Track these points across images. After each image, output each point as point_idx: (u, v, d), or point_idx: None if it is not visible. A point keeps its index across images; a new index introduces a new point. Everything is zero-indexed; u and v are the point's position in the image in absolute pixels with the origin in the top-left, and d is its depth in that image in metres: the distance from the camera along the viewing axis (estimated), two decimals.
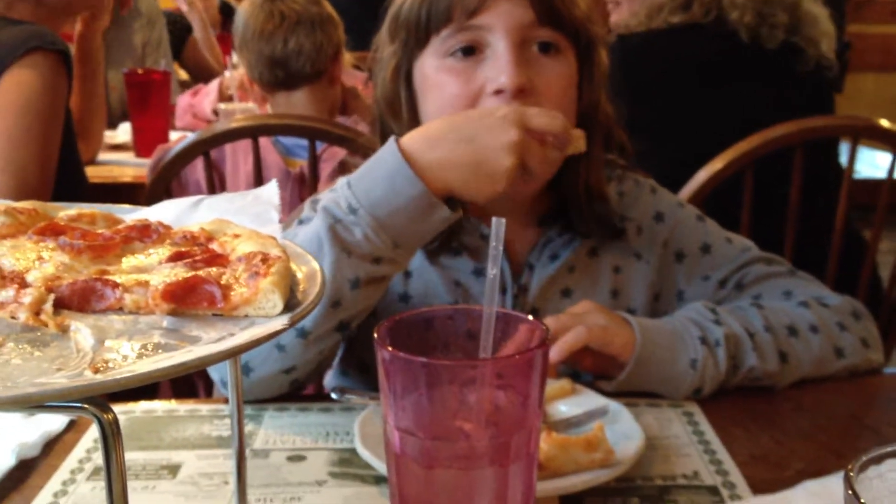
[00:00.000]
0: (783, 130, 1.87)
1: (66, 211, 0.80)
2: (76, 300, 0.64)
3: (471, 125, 1.10)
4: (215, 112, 3.03)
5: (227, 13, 5.02)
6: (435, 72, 1.23)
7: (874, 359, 1.30)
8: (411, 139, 1.12)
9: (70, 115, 2.03)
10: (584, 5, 1.26)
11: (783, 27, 2.09)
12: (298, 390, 1.21)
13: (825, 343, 1.26)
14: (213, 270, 0.67)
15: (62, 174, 1.93)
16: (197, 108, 3.14)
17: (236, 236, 0.74)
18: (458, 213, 1.13)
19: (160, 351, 0.58)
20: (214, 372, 1.22)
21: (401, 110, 1.27)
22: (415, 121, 1.25)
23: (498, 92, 1.18)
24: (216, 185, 2.06)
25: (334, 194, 1.14)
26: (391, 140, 1.12)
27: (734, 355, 1.20)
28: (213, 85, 3.18)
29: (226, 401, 1.19)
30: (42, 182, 1.86)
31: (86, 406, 0.54)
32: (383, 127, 1.31)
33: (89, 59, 2.54)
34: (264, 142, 2.11)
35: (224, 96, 3.10)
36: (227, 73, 3.14)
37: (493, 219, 0.75)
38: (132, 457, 1.04)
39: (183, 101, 3.23)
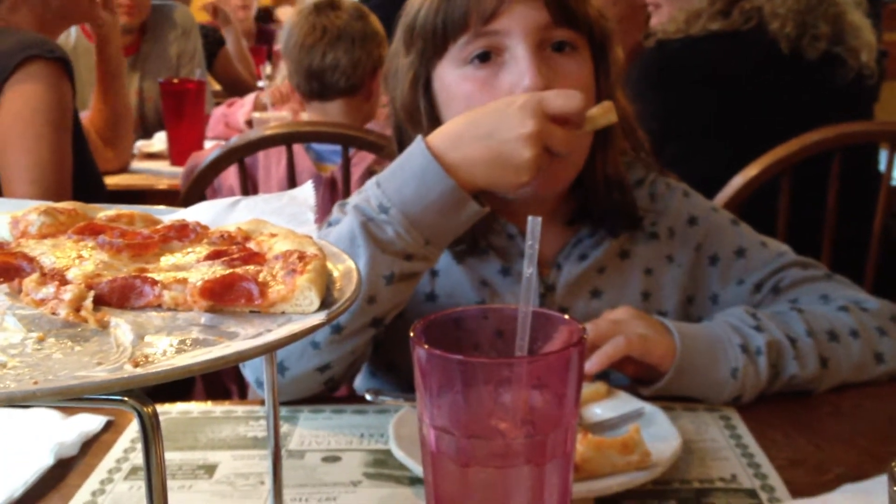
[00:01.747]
0: (820, 136, 1.85)
1: (106, 211, 0.81)
2: (115, 297, 0.65)
3: (489, 120, 1.10)
4: (248, 123, 3.06)
5: (264, 20, 5.07)
6: (456, 81, 1.23)
7: None
8: (437, 137, 1.13)
9: (79, 124, 2.03)
10: (596, 2, 1.26)
11: (825, 38, 2.07)
12: (332, 390, 1.21)
13: (865, 348, 1.24)
14: (251, 268, 0.67)
15: (78, 182, 1.94)
16: (230, 118, 3.17)
17: (273, 235, 0.74)
18: (487, 208, 1.14)
19: (198, 346, 0.58)
20: (249, 372, 1.23)
21: (421, 119, 1.27)
22: (436, 129, 1.26)
23: None
24: (249, 191, 2.07)
25: (364, 194, 1.16)
26: (418, 139, 1.13)
27: (775, 363, 1.19)
28: (249, 98, 3.22)
29: (261, 402, 1.20)
30: (61, 186, 1.86)
31: (126, 399, 0.54)
32: (402, 135, 1.31)
33: (108, 65, 2.55)
34: (297, 148, 2.12)
35: (259, 108, 3.13)
36: (262, 84, 3.17)
37: (529, 218, 0.75)
38: (169, 457, 1.05)
39: (217, 111, 3.27)
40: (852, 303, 1.29)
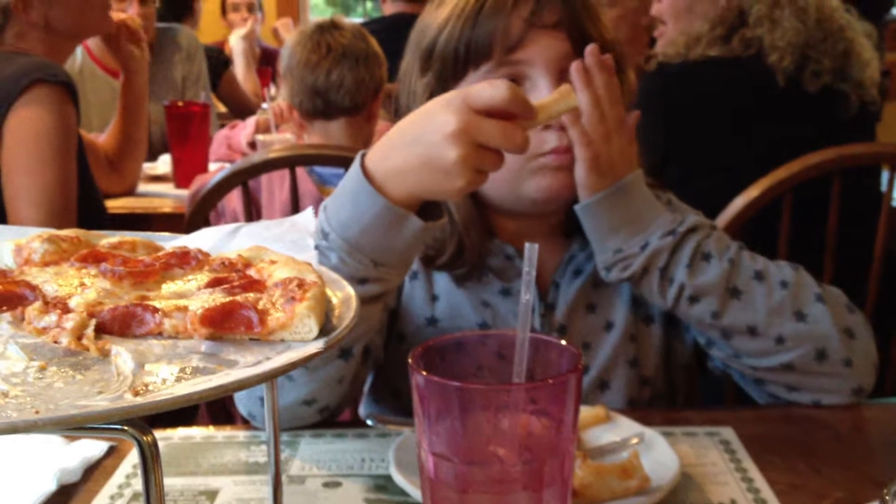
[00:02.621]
0: (821, 157, 1.86)
1: (108, 239, 0.82)
2: (117, 325, 0.66)
3: (415, 125, 1.03)
4: (251, 145, 3.08)
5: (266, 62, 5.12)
6: None
7: (855, 360, 1.23)
8: (372, 152, 1.08)
9: (83, 148, 2.04)
10: (610, 27, 1.27)
11: (828, 73, 2.08)
12: (333, 417, 1.21)
13: (788, 300, 1.22)
14: (251, 296, 0.68)
15: (80, 206, 1.95)
16: (233, 140, 3.19)
17: (273, 262, 0.75)
18: (439, 221, 1.10)
19: (198, 374, 0.59)
20: (242, 406, 1.21)
21: None
22: None
23: (546, 127, 1.20)
24: (252, 214, 2.08)
25: (318, 218, 1.12)
26: (357, 156, 1.09)
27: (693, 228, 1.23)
28: (251, 120, 3.23)
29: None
30: (66, 210, 1.88)
31: (126, 428, 0.55)
32: None
33: (133, 96, 2.59)
34: (300, 171, 2.14)
35: (261, 129, 3.15)
36: (265, 106, 3.19)
37: (526, 245, 0.75)
38: (170, 483, 1.05)
39: (220, 134, 3.29)
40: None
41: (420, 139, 1.01)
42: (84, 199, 1.97)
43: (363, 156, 1.08)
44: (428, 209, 1.08)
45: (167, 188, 2.83)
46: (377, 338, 1.28)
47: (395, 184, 1.04)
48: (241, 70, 4.46)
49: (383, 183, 1.05)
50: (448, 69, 1.24)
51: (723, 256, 1.23)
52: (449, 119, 0.98)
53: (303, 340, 0.65)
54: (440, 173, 1.00)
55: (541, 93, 1.19)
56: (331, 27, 2.38)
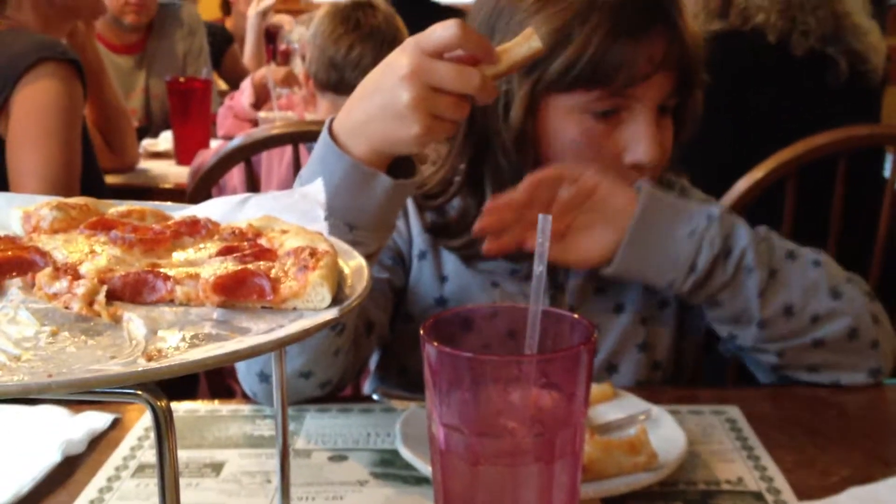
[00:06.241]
0: (826, 139, 1.85)
1: (117, 207, 0.81)
2: (128, 292, 0.65)
3: (375, 75, 1.00)
4: (254, 106, 3.06)
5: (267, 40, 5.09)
6: (571, 122, 1.20)
7: (881, 342, 1.22)
8: (339, 113, 1.05)
9: (86, 125, 2.05)
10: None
11: (814, 35, 2.07)
12: (336, 392, 1.21)
13: (822, 278, 1.21)
14: (263, 264, 0.67)
15: (82, 182, 1.96)
16: (236, 107, 3.18)
17: (284, 232, 0.75)
18: (412, 179, 1.06)
19: (211, 341, 0.59)
20: (245, 384, 1.19)
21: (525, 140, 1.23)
22: (524, 142, 1.23)
23: (636, 166, 1.20)
24: (251, 190, 2.07)
25: None
26: (327, 120, 1.06)
27: (728, 235, 1.18)
28: (246, 82, 3.22)
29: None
30: (69, 184, 1.89)
31: (139, 392, 0.54)
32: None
33: (91, 67, 2.55)
34: (301, 148, 2.13)
35: (258, 89, 3.12)
36: (262, 70, 3.18)
37: (540, 216, 0.75)
38: None
39: (222, 109, 3.27)
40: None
41: (377, 88, 0.99)
42: (86, 174, 1.98)
43: (332, 119, 1.06)
44: (402, 168, 1.06)
45: (168, 165, 2.82)
46: (382, 315, 1.28)
47: (357, 139, 1.02)
48: (251, 45, 4.44)
49: (347, 140, 1.03)
50: (553, 82, 1.19)
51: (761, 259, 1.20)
52: (402, 62, 0.95)
53: (315, 309, 0.64)
54: (396, 120, 0.97)
55: (639, 128, 1.18)
56: (366, 5, 2.38)
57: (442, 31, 0.94)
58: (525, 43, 0.95)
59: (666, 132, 1.23)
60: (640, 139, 1.18)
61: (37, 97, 1.88)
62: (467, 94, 0.95)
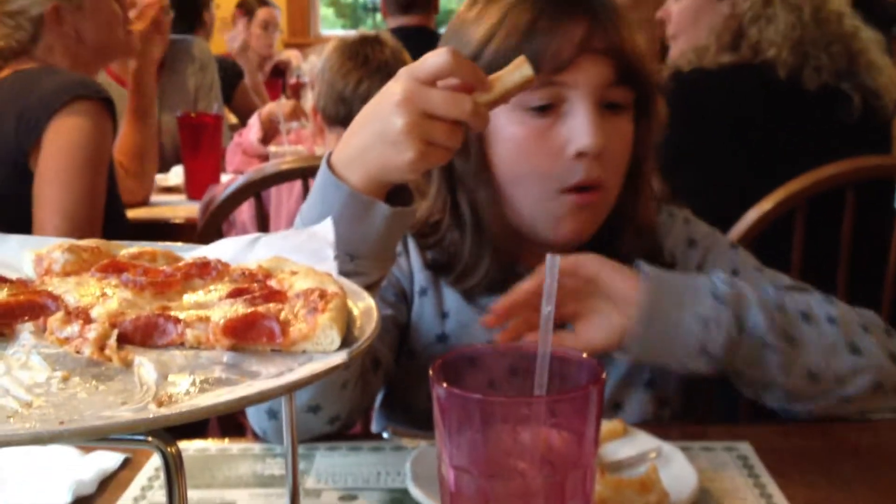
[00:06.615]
0: (835, 170, 1.85)
1: (128, 249, 0.82)
2: (139, 335, 0.66)
3: (371, 105, 1.02)
4: (262, 141, 3.09)
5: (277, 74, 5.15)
6: (509, 122, 1.21)
7: None
8: (337, 145, 1.07)
9: (112, 163, 2.09)
10: (649, 56, 1.26)
11: (826, 70, 2.08)
12: (345, 429, 1.20)
13: (840, 335, 1.20)
14: (272, 306, 0.68)
15: (105, 216, 1.99)
16: (244, 143, 3.20)
17: (293, 273, 0.75)
18: (410, 207, 1.08)
19: (221, 385, 0.59)
20: (254, 422, 1.20)
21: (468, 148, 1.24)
22: (481, 157, 1.24)
23: (580, 155, 1.19)
24: (260, 224, 2.08)
25: None
26: (325, 153, 1.08)
27: (739, 314, 1.16)
28: (254, 118, 3.25)
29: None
30: (91, 222, 1.92)
31: (150, 439, 0.55)
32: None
33: (143, 93, 2.61)
34: (310, 182, 2.14)
35: (265, 125, 3.15)
36: (270, 106, 3.22)
37: (548, 256, 0.75)
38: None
39: (231, 144, 3.30)
40: (846, 306, 1.26)
41: (373, 117, 1.01)
42: (109, 209, 2.01)
43: (331, 153, 1.07)
44: (401, 200, 1.07)
45: (179, 199, 2.83)
46: (387, 352, 1.28)
47: (355, 169, 1.03)
48: (247, 80, 4.50)
49: (344, 170, 1.04)
50: None
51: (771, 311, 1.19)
52: (395, 90, 0.97)
53: (325, 352, 0.65)
54: (390, 146, 0.98)
55: (578, 119, 1.18)
56: (374, 40, 2.41)
57: (434, 59, 0.96)
58: (516, 70, 0.97)
59: (617, 127, 1.22)
60: (578, 126, 1.18)
61: (69, 134, 1.92)
62: (460, 120, 0.97)
